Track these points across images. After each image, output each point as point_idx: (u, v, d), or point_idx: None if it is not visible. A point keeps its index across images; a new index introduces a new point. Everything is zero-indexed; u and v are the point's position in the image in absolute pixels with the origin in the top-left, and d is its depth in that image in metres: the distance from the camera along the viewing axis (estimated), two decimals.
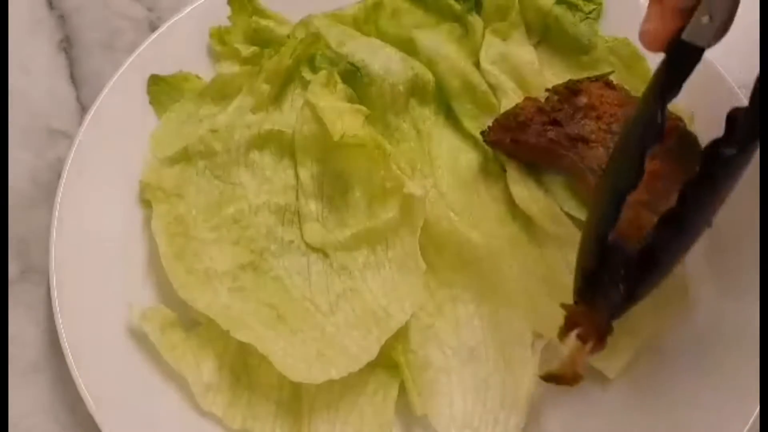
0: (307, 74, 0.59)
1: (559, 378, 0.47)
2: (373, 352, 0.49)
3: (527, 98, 0.59)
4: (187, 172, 0.58)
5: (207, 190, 0.57)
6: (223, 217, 0.56)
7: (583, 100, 0.58)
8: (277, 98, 0.59)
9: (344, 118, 0.55)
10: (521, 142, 0.57)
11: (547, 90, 0.60)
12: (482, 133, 0.58)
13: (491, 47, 0.62)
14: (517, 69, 0.62)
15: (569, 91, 0.59)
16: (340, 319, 0.52)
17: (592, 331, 0.48)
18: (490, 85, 0.61)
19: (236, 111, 0.59)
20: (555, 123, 0.57)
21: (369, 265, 0.54)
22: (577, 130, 0.57)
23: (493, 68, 0.61)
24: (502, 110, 0.60)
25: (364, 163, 0.55)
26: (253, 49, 0.63)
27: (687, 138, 0.58)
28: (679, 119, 0.58)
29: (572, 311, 0.51)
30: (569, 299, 0.55)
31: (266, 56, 0.60)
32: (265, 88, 0.58)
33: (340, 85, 0.58)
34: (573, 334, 0.48)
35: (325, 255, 0.55)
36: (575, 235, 0.57)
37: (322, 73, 0.58)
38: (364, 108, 0.57)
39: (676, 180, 0.58)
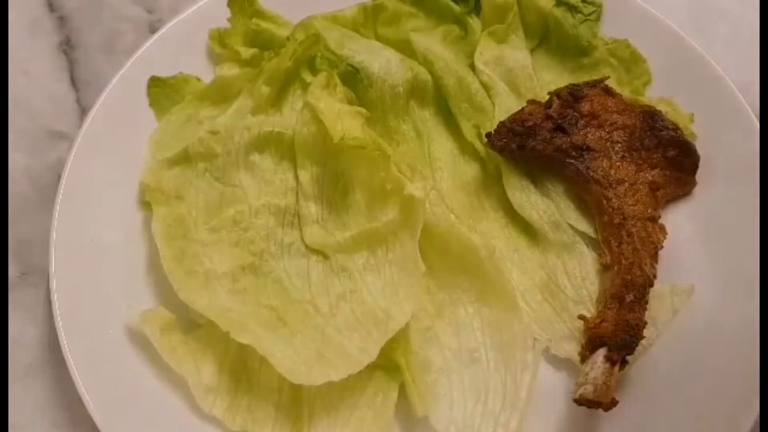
0: (307, 76, 0.59)
1: (595, 404, 0.48)
2: (372, 354, 0.49)
3: (531, 102, 0.59)
4: (186, 174, 0.58)
5: (207, 192, 0.57)
6: (223, 219, 0.56)
7: (586, 107, 0.58)
8: (276, 100, 0.59)
9: (344, 120, 0.55)
10: (528, 149, 0.57)
11: (549, 93, 0.60)
12: (487, 135, 0.58)
13: (486, 49, 0.62)
14: (510, 72, 0.62)
15: (572, 96, 0.59)
16: (340, 321, 0.52)
17: (618, 346, 0.49)
18: (484, 85, 0.61)
19: (236, 113, 0.59)
20: (561, 130, 0.58)
21: (369, 266, 0.54)
22: (582, 138, 0.58)
23: (486, 69, 0.62)
24: (497, 110, 0.60)
25: (364, 164, 0.55)
26: (253, 51, 0.63)
27: (686, 147, 0.58)
28: (677, 127, 0.58)
29: (593, 326, 0.51)
30: (566, 306, 0.55)
31: (266, 58, 0.60)
32: (265, 90, 0.58)
33: (340, 87, 0.58)
34: (601, 358, 0.49)
35: (325, 257, 0.55)
36: (575, 242, 0.57)
37: (322, 75, 0.58)
38: (363, 110, 0.57)
39: (675, 188, 0.59)
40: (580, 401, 0.48)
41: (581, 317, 0.53)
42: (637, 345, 0.50)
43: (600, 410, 0.48)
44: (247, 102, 0.59)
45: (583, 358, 0.51)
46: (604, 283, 0.55)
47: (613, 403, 0.48)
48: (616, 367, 0.49)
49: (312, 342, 0.51)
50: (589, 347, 0.51)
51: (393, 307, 0.51)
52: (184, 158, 0.58)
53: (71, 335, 0.51)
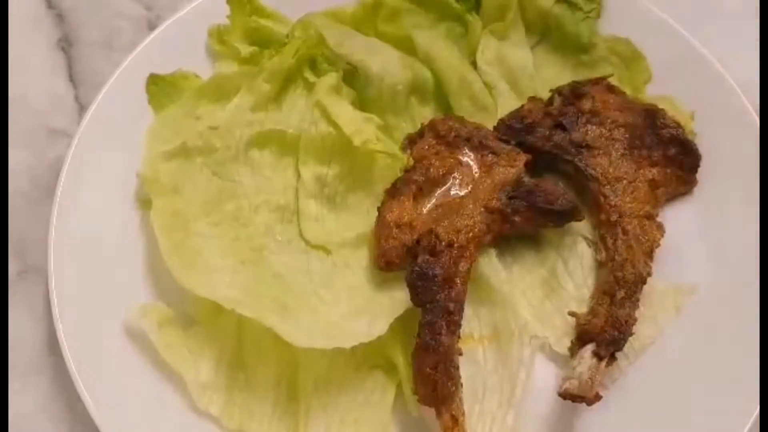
0: (309, 75, 0.59)
1: (579, 398, 0.48)
2: (382, 328, 0.49)
3: (532, 99, 0.59)
4: (184, 168, 0.57)
5: (205, 187, 0.56)
6: (222, 214, 0.56)
7: (587, 104, 0.58)
8: (277, 98, 0.59)
9: (359, 125, 0.55)
10: (526, 145, 0.57)
11: (551, 90, 0.60)
12: None
13: (488, 48, 0.62)
14: (511, 71, 0.62)
15: (573, 93, 0.59)
16: (345, 309, 0.52)
17: (606, 342, 0.49)
18: (486, 84, 0.61)
19: (236, 109, 0.58)
20: (560, 127, 0.57)
21: (372, 262, 0.54)
22: (581, 136, 0.57)
23: (488, 68, 0.62)
24: (499, 109, 0.60)
25: (374, 168, 0.55)
26: (253, 49, 0.62)
27: (687, 145, 0.58)
28: (679, 126, 0.58)
29: (583, 322, 0.51)
30: (568, 303, 0.55)
31: (266, 56, 0.60)
32: (266, 87, 0.58)
33: (346, 89, 0.58)
34: (588, 353, 0.49)
35: (327, 252, 0.55)
36: (576, 241, 0.57)
37: (332, 76, 0.58)
38: (376, 118, 0.57)
39: (676, 186, 0.58)
40: (565, 395, 0.48)
41: (572, 313, 0.53)
42: (625, 341, 0.50)
43: (598, 409, 0.48)
44: (247, 99, 0.59)
45: (572, 354, 0.51)
46: (599, 279, 0.55)
47: (597, 397, 0.48)
48: (603, 363, 0.49)
49: (318, 322, 0.51)
50: (579, 343, 0.51)
51: (399, 290, 0.51)
52: (182, 152, 0.57)
53: (70, 333, 0.51)
